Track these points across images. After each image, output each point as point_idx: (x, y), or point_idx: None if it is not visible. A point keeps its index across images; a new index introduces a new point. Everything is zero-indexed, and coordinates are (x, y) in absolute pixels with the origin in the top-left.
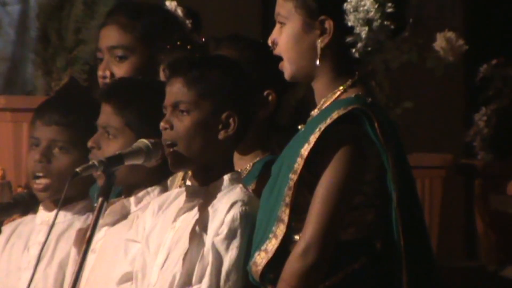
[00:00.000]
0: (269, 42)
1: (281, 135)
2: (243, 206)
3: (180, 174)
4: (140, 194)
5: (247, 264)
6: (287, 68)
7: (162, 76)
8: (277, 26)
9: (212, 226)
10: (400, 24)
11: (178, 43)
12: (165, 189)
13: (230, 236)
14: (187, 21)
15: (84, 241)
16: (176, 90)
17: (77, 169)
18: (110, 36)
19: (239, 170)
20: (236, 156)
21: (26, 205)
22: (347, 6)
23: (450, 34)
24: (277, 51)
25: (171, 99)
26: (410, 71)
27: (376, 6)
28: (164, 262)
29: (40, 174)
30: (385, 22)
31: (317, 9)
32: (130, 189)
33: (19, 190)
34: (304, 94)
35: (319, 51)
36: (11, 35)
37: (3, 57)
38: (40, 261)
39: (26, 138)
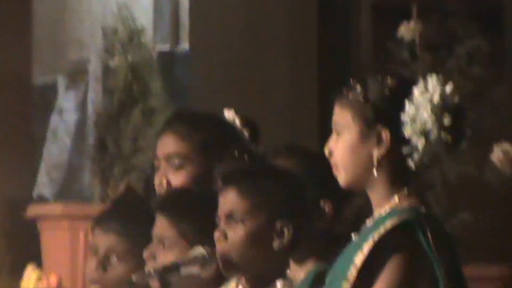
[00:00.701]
0: (326, 151)
1: (338, 244)
2: None
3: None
4: None
5: None
6: (343, 177)
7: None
8: (334, 135)
9: None
10: (457, 137)
11: (236, 153)
12: None
13: None
14: (245, 131)
15: None
16: (229, 200)
17: (133, 277)
18: (167, 145)
19: (293, 277)
20: (291, 265)
21: None
22: (404, 116)
23: (507, 146)
24: (334, 160)
25: (225, 209)
26: (467, 182)
27: (433, 118)
28: None
29: (96, 282)
30: (442, 135)
31: (374, 118)
32: None
33: None
34: (361, 204)
35: (375, 161)
36: (67, 143)
37: (58, 164)
38: None
39: (82, 246)
